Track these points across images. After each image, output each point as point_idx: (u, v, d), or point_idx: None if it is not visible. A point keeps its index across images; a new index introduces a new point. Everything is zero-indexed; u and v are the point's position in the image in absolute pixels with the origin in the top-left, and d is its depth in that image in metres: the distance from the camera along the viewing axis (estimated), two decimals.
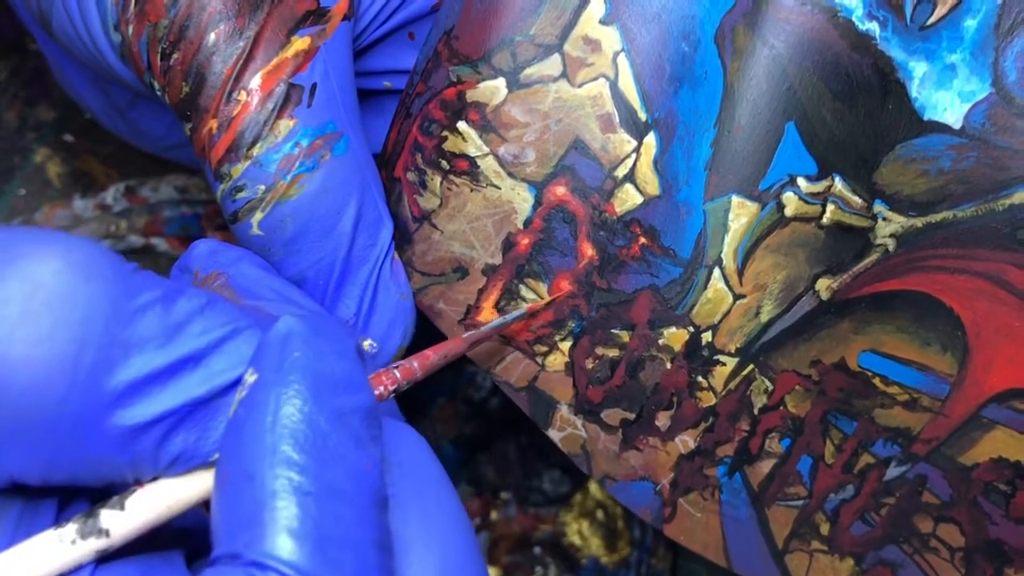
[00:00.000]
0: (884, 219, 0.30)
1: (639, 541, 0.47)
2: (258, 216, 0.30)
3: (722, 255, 0.30)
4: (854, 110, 0.29)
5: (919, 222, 0.30)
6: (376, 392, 0.27)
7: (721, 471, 0.32)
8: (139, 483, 0.25)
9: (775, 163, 0.30)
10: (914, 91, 0.29)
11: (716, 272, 0.30)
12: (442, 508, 0.26)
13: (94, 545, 0.24)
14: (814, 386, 0.32)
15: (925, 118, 0.29)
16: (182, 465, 0.25)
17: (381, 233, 0.32)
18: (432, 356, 0.28)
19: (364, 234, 0.31)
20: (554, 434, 0.32)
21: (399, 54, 0.36)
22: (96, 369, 0.23)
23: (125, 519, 0.24)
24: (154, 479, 0.25)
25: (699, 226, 0.30)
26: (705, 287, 0.31)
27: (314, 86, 0.30)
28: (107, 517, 0.24)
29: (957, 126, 0.29)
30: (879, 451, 0.32)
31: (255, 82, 0.30)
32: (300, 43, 0.30)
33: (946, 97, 0.29)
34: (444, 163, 0.32)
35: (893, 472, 0.32)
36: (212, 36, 0.30)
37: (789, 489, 0.32)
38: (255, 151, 0.30)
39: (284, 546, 0.22)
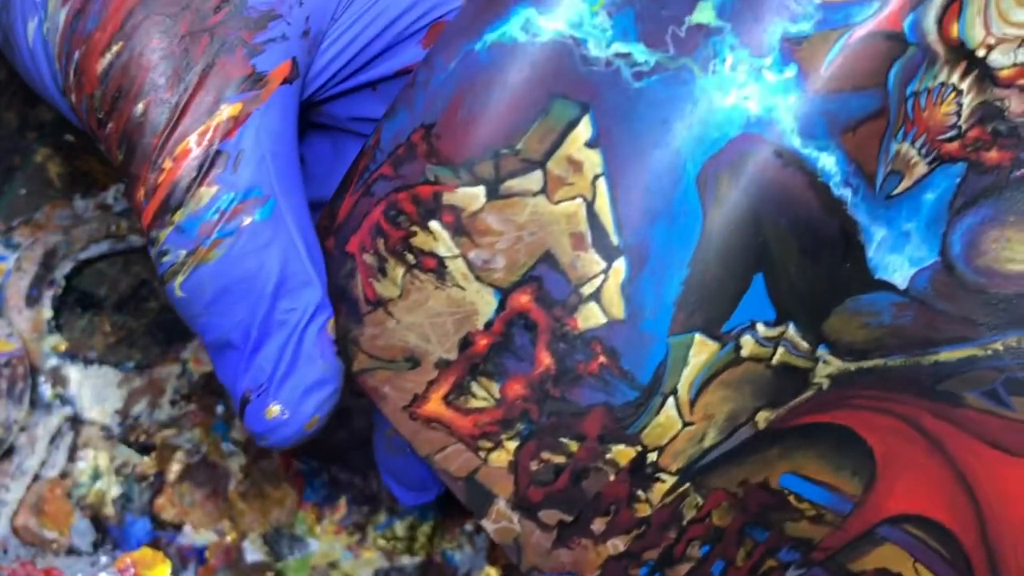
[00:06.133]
0: (824, 362, 0.31)
1: None
2: (179, 279, 0.30)
3: (678, 386, 0.30)
4: (817, 266, 0.30)
5: (853, 366, 0.31)
6: None
7: (643, 571, 0.32)
8: None
9: (740, 309, 0.30)
10: (871, 252, 0.30)
11: (670, 400, 0.30)
12: None
13: None
14: (738, 502, 0.32)
15: (876, 277, 0.30)
16: None
17: (305, 297, 0.31)
18: None
19: (286, 298, 0.30)
20: (488, 524, 0.31)
21: (363, 104, 0.35)
22: None
23: None
24: None
25: (661, 356, 0.30)
26: (658, 412, 0.30)
27: (240, 152, 0.29)
28: None
29: (902, 287, 0.31)
30: (783, 557, 0.33)
31: (179, 149, 0.29)
32: (231, 109, 0.29)
33: (897, 260, 0.30)
34: (410, 257, 0.31)
35: (791, 574, 0.34)
36: (140, 106, 0.29)
37: None
38: (177, 217, 0.29)
39: None
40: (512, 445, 0.31)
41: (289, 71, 0.30)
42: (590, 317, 0.30)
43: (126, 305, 0.49)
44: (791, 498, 0.33)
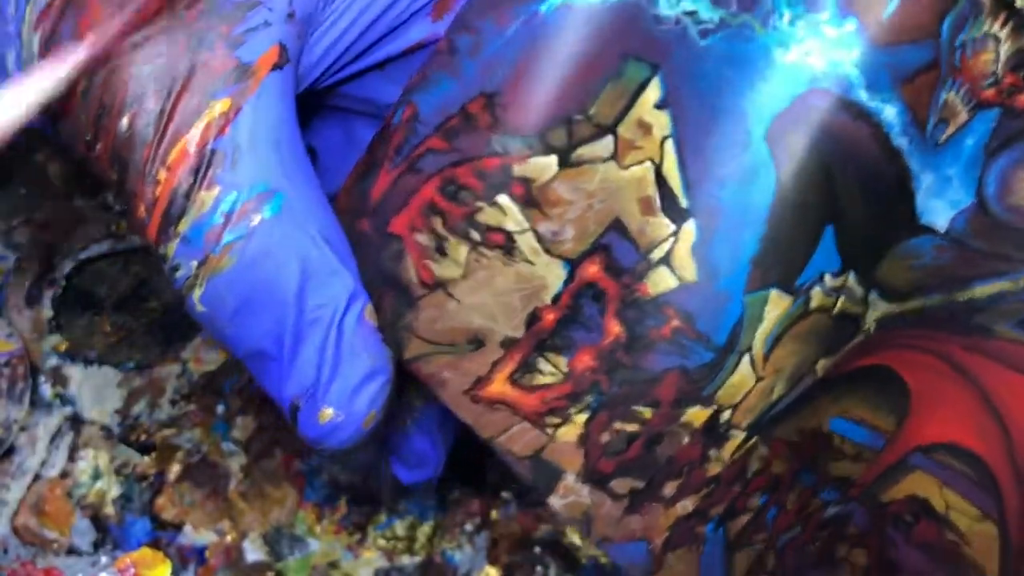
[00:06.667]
0: (874, 307, 0.31)
1: None
2: (197, 292, 0.28)
3: (753, 342, 0.30)
4: (877, 214, 0.30)
5: (897, 308, 0.32)
6: None
7: (709, 528, 0.32)
8: None
9: (812, 262, 0.30)
10: (919, 198, 0.31)
11: (745, 358, 0.30)
12: None
13: None
14: (793, 449, 0.32)
15: (922, 222, 0.31)
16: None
17: (334, 289, 0.29)
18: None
19: (315, 294, 0.29)
20: (556, 500, 0.31)
21: (370, 86, 0.34)
22: None
23: None
24: None
25: (737, 315, 0.29)
26: (733, 371, 0.30)
27: (237, 148, 0.28)
28: None
29: (943, 229, 0.31)
30: (825, 496, 0.34)
31: (173, 157, 0.28)
32: (220, 105, 0.28)
33: (939, 204, 0.31)
34: (475, 234, 0.30)
35: (831, 511, 0.34)
36: (125, 121, 0.28)
37: (756, 535, 0.33)
38: (181, 227, 0.28)
39: None
40: (581, 418, 0.30)
41: (277, 57, 0.29)
42: (660, 282, 0.29)
43: (126, 305, 0.49)
44: (836, 440, 0.33)
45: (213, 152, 0.28)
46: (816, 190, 0.29)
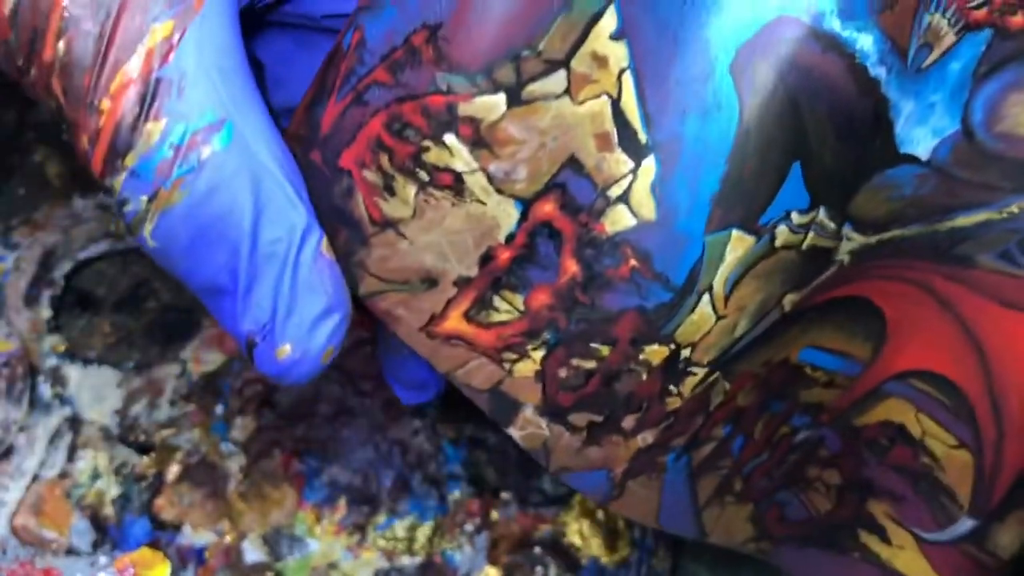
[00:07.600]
0: (848, 239, 0.30)
1: (639, 541, 0.47)
2: (148, 228, 0.27)
3: (713, 282, 0.29)
4: (850, 148, 0.29)
5: (873, 240, 0.31)
6: None
7: (671, 457, 0.32)
8: None
9: (777, 200, 0.28)
10: (899, 127, 0.29)
11: (705, 297, 0.29)
12: None
13: None
14: (760, 381, 0.32)
15: (902, 151, 0.30)
16: None
17: (289, 222, 0.28)
18: None
19: (270, 228, 0.28)
20: (514, 432, 0.30)
21: (316, 1, 0.32)
22: None
23: None
24: None
25: (696, 256, 0.28)
26: (692, 311, 0.29)
27: (183, 75, 0.27)
28: None
29: (925, 158, 0.30)
30: (794, 422, 0.33)
31: (115, 86, 0.26)
32: (162, 29, 0.26)
33: (922, 132, 0.29)
34: (423, 174, 0.28)
35: (801, 436, 0.34)
36: (61, 45, 0.26)
37: (720, 462, 0.33)
38: (129, 161, 0.27)
39: None
40: (538, 355, 0.29)
41: None
42: (618, 220, 0.28)
43: (125, 305, 0.49)
44: (807, 369, 0.33)
45: (159, 81, 0.27)
46: (782, 125, 0.28)
